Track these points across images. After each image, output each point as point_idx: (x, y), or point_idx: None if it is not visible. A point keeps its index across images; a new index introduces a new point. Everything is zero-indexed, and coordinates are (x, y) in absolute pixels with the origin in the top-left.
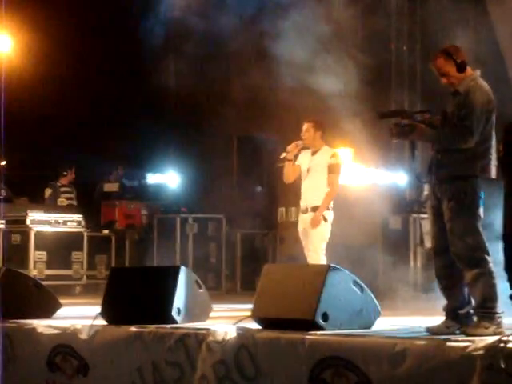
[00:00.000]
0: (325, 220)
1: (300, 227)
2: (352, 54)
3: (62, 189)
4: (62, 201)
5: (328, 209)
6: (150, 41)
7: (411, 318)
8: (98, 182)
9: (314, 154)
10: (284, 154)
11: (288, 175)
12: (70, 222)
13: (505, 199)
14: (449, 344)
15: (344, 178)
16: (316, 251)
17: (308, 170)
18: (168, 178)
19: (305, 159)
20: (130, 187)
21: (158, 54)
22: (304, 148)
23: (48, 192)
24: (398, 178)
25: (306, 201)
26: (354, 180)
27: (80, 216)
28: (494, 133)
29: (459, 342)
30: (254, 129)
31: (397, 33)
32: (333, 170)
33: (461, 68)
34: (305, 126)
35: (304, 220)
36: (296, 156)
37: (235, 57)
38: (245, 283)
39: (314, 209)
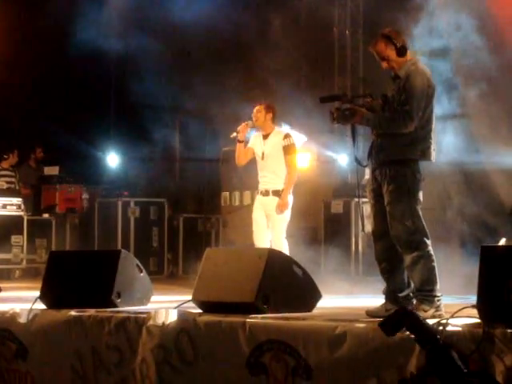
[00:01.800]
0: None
1: (257, 209)
2: (295, 39)
3: (2, 172)
4: (2, 184)
5: (289, 192)
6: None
7: (351, 301)
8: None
9: (265, 137)
10: (234, 134)
11: (240, 157)
12: (9, 206)
13: None
14: None
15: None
16: (279, 234)
17: (263, 154)
18: (109, 159)
19: (257, 142)
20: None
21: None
22: (255, 130)
23: None
24: (340, 162)
25: (266, 184)
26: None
27: (20, 199)
28: (434, 117)
29: None
30: (198, 109)
31: (339, 17)
32: (289, 151)
33: (401, 52)
34: (256, 108)
35: (265, 203)
36: (246, 138)
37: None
38: (187, 267)
39: (276, 193)
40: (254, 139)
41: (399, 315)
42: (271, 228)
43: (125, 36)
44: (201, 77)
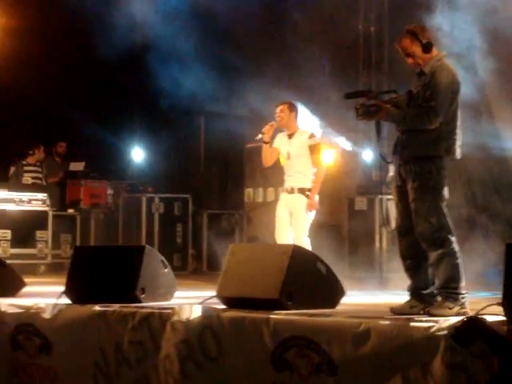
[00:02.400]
0: None
1: (281, 206)
2: (320, 36)
3: (28, 167)
4: (27, 179)
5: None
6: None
7: (375, 298)
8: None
9: (290, 137)
10: (260, 136)
11: (266, 158)
12: (34, 201)
13: None
14: (412, 324)
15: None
16: (300, 232)
17: (288, 154)
18: (134, 154)
19: (282, 142)
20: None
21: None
22: (279, 130)
23: (11, 170)
24: (365, 159)
25: (292, 182)
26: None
27: (45, 195)
28: (459, 113)
29: (423, 322)
30: (223, 107)
31: (364, 14)
32: (314, 150)
33: (426, 48)
34: (279, 107)
35: (290, 201)
36: (272, 138)
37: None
38: (211, 263)
39: (301, 190)
40: (279, 139)
41: (470, 325)
42: (294, 226)
43: (152, 29)
44: (226, 73)
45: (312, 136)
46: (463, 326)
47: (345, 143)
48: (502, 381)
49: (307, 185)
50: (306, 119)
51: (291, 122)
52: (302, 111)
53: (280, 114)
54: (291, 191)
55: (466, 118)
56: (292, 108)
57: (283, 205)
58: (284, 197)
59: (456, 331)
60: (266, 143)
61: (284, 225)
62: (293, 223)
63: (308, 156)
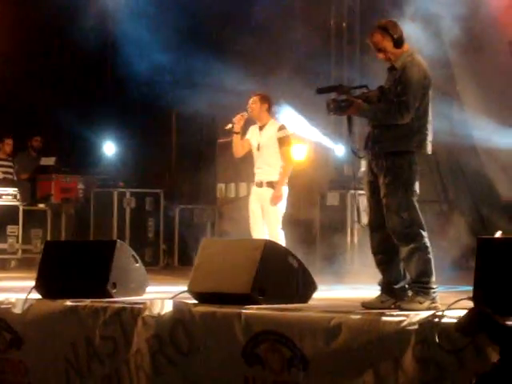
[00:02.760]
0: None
1: (253, 200)
2: (291, 31)
3: None
4: None
5: (284, 184)
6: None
7: (347, 293)
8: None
9: (261, 128)
10: (230, 125)
11: (237, 149)
12: (5, 196)
13: None
14: (383, 318)
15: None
16: (274, 225)
17: (258, 146)
18: (106, 148)
19: (253, 134)
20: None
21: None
22: (252, 122)
23: None
24: (337, 154)
25: (260, 176)
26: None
27: (15, 189)
28: (430, 109)
29: (394, 316)
30: (194, 103)
31: (336, 9)
32: (284, 142)
33: (398, 43)
34: (251, 99)
35: (260, 194)
36: (244, 130)
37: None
38: (182, 258)
39: (270, 184)
40: (251, 131)
41: (474, 316)
42: (266, 219)
43: (121, 21)
44: (194, 65)
45: (282, 128)
46: (467, 318)
47: (320, 136)
48: (504, 371)
49: (275, 178)
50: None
51: (262, 113)
52: (285, 109)
53: (251, 105)
54: (260, 185)
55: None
56: (264, 100)
57: (255, 198)
58: (254, 190)
59: (459, 324)
60: (237, 133)
61: (258, 219)
62: (265, 217)
63: (277, 148)
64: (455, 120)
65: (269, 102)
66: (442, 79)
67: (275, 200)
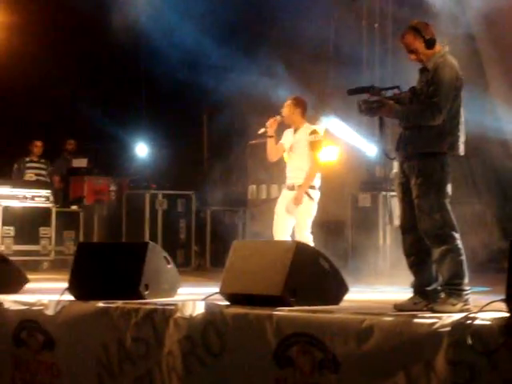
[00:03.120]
0: (310, 198)
1: (281, 202)
2: (323, 32)
3: (30, 164)
4: (31, 176)
5: (313, 187)
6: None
7: (379, 295)
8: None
9: (295, 132)
10: (263, 130)
11: (271, 153)
12: (37, 198)
13: None
14: (416, 320)
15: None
16: (302, 229)
17: (290, 148)
18: (138, 149)
19: (287, 138)
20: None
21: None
22: (287, 126)
23: (14, 167)
24: (368, 155)
25: (292, 179)
26: (324, 156)
27: (48, 191)
28: (462, 110)
29: (426, 318)
30: (226, 104)
31: (368, 10)
32: (313, 147)
33: (429, 44)
34: (286, 103)
35: (289, 197)
36: (277, 133)
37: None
38: (214, 260)
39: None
40: (286, 134)
41: None
42: (296, 222)
43: (157, 23)
44: (229, 68)
45: (314, 132)
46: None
47: (354, 137)
48: None
49: None
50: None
51: (296, 117)
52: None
53: (284, 109)
54: (291, 188)
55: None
56: (297, 103)
57: (282, 201)
58: (284, 193)
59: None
60: (270, 137)
61: (282, 220)
62: (295, 220)
63: (307, 152)
64: (485, 115)
65: (302, 105)
66: (472, 71)
67: (296, 200)
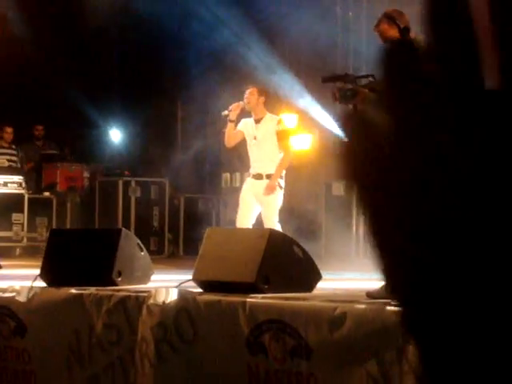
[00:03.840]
0: (280, 187)
1: (247, 190)
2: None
3: (2, 150)
4: (3, 162)
5: (281, 177)
6: None
7: (351, 283)
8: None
9: (257, 122)
10: (226, 112)
11: (229, 139)
12: (10, 184)
13: None
14: (388, 308)
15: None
16: (271, 218)
17: (255, 139)
18: (112, 135)
19: (248, 127)
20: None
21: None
22: (246, 114)
23: None
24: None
25: (260, 168)
26: (297, 145)
27: (21, 178)
28: None
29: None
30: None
31: None
32: (282, 136)
33: (404, 33)
34: (249, 90)
35: (257, 186)
36: (238, 119)
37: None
38: (187, 247)
39: (269, 176)
40: (245, 123)
41: None
42: (264, 212)
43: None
44: (200, 51)
45: (280, 122)
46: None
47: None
48: None
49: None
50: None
51: (259, 106)
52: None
53: (248, 96)
54: (259, 177)
55: None
56: (261, 92)
57: (249, 189)
58: (250, 182)
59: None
60: (232, 121)
61: (247, 209)
62: (262, 209)
63: (275, 141)
64: None
65: (266, 95)
66: None
67: (268, 190)
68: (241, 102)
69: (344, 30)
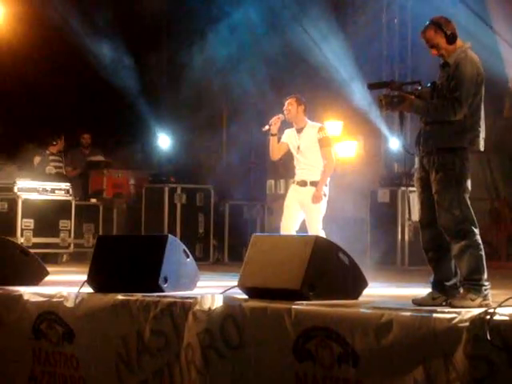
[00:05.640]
0: (324, 195)
1: (291, 197)
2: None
3: (51, 157)
4: (51, 169)
5: (326, 184)
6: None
7: (398, 290)
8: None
9: (299, 131)
10: (267, 127)
11: (274, 152)
12: (57, 190)
13: None
14: (435, 315)
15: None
16: (315, 225)
17: (299, 148)
18: (160, 141)
19: (291, 137)
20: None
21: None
22: (288, 125)
23: (37, 160)
24: (387, 151)
25: (305, 175)
26: (343, 152)
27: (68, 184)
28: (482, 105)
29: (445, 313)
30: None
31: (388, 5)
32: (324, 143)
33: (451, 39)
34: (287, 101)
35: (302, 193)
36: (280, 131)
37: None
38: (232, 254)
39: (313, 183)
40: (288, 134)
41: None
42: (308, 219)
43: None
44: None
45: (321, 129)
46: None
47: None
48: None
49: (319, 177)
50: None
51: (299, 115)
52: None
53: (288, 107)
54: (303, 184)
55: None
56: (300, 102)
57: (293, 196)
58: (295, 188)
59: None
60: (274, 135)
61: (292, 216)
62: (307, 216)
63: (318, 149)
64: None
65: (305, 104)
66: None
67: (315, 200)
68: (280, 115)
69: (390, 36)
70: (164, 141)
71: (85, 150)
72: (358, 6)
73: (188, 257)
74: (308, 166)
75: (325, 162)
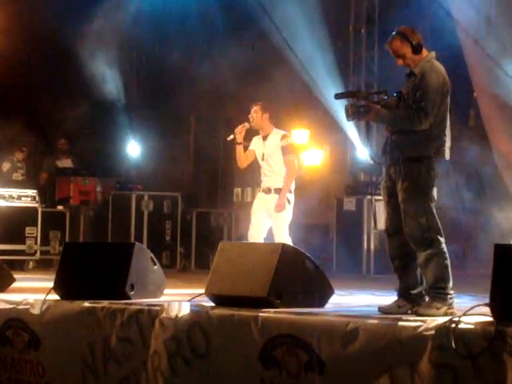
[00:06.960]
0: (288, 202)
1: (258, 204)
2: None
3: (18, 164)
4: (17, 176)
5: (290, 191)
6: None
7: (364, 298)
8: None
9: (265, 138)
10: (231, 137)
11: (240, 160)
12: (24, 197)
13: None
14: (400, 323)
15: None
16: (282, 232)
17: (263, 156)
18: (129, 149)
19: (257, 145)
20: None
21: None
22: (255, 132)
23: (6, 166)
24: (353, 159)
25: (269, 182)
26: (309, 160)
27: (34, 191)
28: (448, 114)
29: (410, 321)
30: (211, 109)
31: (355, 15)
32: (287, 151)
33: (416, 50)
34: (252, 109)
35: (267, 200)
36: (245, 139)
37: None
38: (199, 261)
39: (278, 191)
40: (255, 142)
41: None
42: (274, 226)
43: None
44: (217, 68)
45: (284, 137)
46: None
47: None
48: None
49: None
50: None
51: (264, 122)
52: None
53: (252, 115)
54: (268, 191)
55: None
56: (265, 109)
57: (259, 204)
58: (261, 196)
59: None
60: (239, 144)
61: (258, 224)
62: (273, 224)
63: (281, 157)
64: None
65: (270, 111)
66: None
67: (278, 208)
68: (246, 124)
69: (356, 46)
70: (133, 148)
71: (61, 155)
72: (325, 17)
73: (155, 264)
74: (272, 173)
75: (286, 169)
